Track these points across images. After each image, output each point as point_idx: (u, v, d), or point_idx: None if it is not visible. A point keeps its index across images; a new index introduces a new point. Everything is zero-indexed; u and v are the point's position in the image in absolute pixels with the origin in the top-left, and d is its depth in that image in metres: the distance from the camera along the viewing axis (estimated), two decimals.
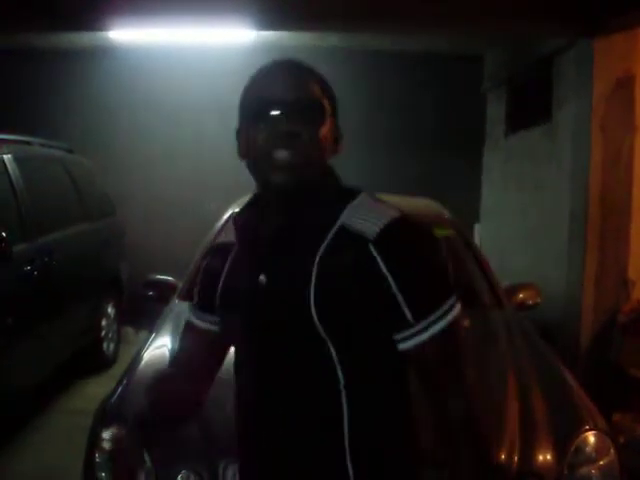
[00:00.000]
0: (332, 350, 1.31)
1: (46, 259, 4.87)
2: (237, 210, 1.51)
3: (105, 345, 6.14)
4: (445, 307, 1.31)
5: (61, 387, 5.45)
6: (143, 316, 5.34)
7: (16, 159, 4.91)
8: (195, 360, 1.58)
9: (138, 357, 3.07)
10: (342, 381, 1.32)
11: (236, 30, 6.11)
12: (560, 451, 2.45)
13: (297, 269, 1.33)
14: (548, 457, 2.43)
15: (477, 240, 7.19)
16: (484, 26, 5.59)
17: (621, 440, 2.73)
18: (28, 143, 5.45)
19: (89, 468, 2.48)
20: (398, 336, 1.32)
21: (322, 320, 1.29)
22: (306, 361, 1.35)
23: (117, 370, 5.14)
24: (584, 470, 2.46)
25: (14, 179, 4.79)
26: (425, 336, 1.30)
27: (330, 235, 1.33)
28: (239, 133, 1.43)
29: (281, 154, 1.30)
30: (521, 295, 3.82)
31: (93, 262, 5.95)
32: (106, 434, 2.51)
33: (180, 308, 3.60)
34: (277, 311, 1.35)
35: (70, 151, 6.31)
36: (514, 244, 6.88)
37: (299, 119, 1.31)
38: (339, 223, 1.34)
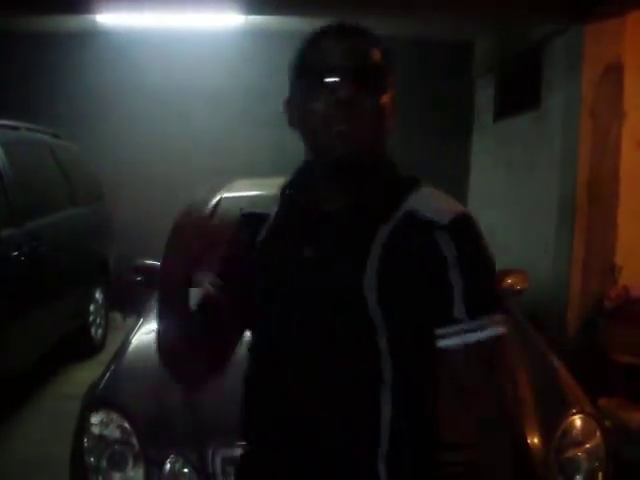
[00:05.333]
0: (382, 339, 1.23)
1: (34, 244, 4.85)
2: (284, 181, 1.42)
3: (93, 330, 6.13)
4: (497, 317, 1.24)
5: (49, 373, 5.44)
6: (131, 302, 5.33)
7: (3, 144, 4.88)
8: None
9: (127, 342, 3.07)
10: (386, 376, 1.24)
11: (225, 14, 6.08)
12: (547, 434, 2.47)
13: (355, 250, 1.25)
14: (535, 440, 2.45)
15: None
16: (474, 11, 5.58)
17: (607, 424, 2.75)
18: (15, 128, 5.40)
19: (77, 453, 2.49)
20: (442, 331, 1.24)
21: (382, 305, 1.22)
22: (350, 347, 1.25)
23: (105, 356, 5.13)
24: (571, 453, 2.48)
25: (1, 164, 4.75)
26: (473, 337, 1.22)
27: (395, 220, 1.26)
28: (289, 101, 1.35)
29: (342, 124, 1.22)
30: (509, 280, 3.83)
31: (81, 247, 5.93)
32: (94, 419, 2.51)
33: None
34: (323, 289, 1.26)
35: (57, 136, 6.27)
36: (502, 229, 6.90)
37: (360, 87, 1.23)
38: (405, 209, 1.27)
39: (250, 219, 1.42)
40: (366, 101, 1.24)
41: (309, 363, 1.27)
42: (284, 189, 1.39)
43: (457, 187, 7.74)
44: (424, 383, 1.29)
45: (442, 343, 1.24)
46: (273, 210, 1.40)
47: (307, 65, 1.27)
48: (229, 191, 4.05)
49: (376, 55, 1.28)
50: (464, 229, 1.25)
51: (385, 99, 1.27)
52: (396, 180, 1.33)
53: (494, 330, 1.23)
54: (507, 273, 3.90)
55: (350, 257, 1.25)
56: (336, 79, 1.22)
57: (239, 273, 1.36)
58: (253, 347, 1.38)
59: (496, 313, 1.24)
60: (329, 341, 1.25)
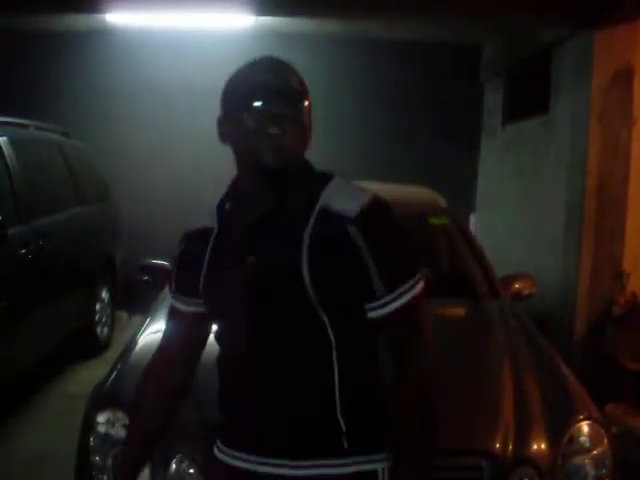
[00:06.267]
0: (324, 316, 1.47)
1: (41, 242, 4.86)
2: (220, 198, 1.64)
3: (99, 329, 6.13)
4: (412, 281, 1.50)
5: (55, 371, 5.45)
6: (137, 301, 5.33)
7: (12, 142, 4.89)
8: (183, 343, 1.72)
9: (133, 341, 3.07)
10: (334, 343, 1.49)
11: (235, 15, 6.09)
12: (554, 440, 2.45)
13: (288, 247, 1.48)
14: (542, 446, 2.43)
15: (473, 229, 7.19)
16: (483, 15, 5.58)
17: (614, 431, 2.74)
18: (24, 126, 5.42)
19: (83, 452, 2.48)
20: (369, 306, 1.50)
21: (315, 290, 1.45)
22: (301, 327, 1.50)
23: (111, 354, 5.14)
24: (578, 460, 2.46)
25: (9, 162, 4.77)
26: (394, 306, 1.48)
27: (313, 216, 1.49)
28: (221, 121, 1.61)
29: (273, 135, 1.44)
30: (517, 285, 3.82)
31: (88, 246, 5.94)
32: (101, 418, 2.50)
33: None
34: (270, 286, 1.50)
35: (66, 134, 6.29)
36: (510, 234, 6.89)
37: (284, 104, 1.46)
38: (319, 205, 1.50)
39: (197, 234, 1.64)
40: (291, 116, 1.47)
41: (271, 349, 1.52)
42: (219, 205, 1.62)
43: (465, 190, 7.74)
44: (362, 345, 1.55)
45: (371, 315, 1.51)
46: (214, 222, 1.62)
47: (242, 89, 1.51)
48: None
49: (295, 80, 1.52)
50: (370, 217, 1.47)
51: (305, 116, 1.51)
52: (311, 178, 1.57)
53: (411, 293, 1.49)
54: (515, 278, 3.89)
55: (286, 255, 1.48)
56: (267, 99, 1.46)
57: (194, 282, 1.61)
58: (219, 337, 1.64)
59: (411, 277, 1.50)
60: (284, 327, 1.50)
